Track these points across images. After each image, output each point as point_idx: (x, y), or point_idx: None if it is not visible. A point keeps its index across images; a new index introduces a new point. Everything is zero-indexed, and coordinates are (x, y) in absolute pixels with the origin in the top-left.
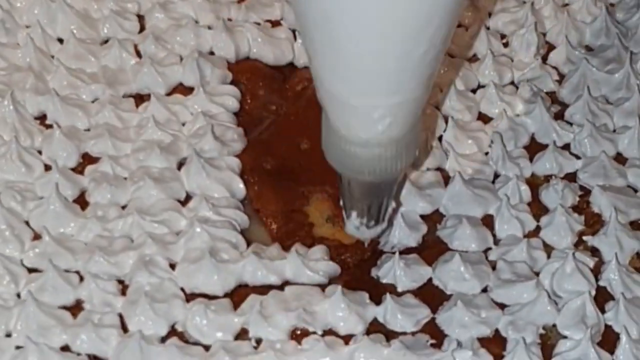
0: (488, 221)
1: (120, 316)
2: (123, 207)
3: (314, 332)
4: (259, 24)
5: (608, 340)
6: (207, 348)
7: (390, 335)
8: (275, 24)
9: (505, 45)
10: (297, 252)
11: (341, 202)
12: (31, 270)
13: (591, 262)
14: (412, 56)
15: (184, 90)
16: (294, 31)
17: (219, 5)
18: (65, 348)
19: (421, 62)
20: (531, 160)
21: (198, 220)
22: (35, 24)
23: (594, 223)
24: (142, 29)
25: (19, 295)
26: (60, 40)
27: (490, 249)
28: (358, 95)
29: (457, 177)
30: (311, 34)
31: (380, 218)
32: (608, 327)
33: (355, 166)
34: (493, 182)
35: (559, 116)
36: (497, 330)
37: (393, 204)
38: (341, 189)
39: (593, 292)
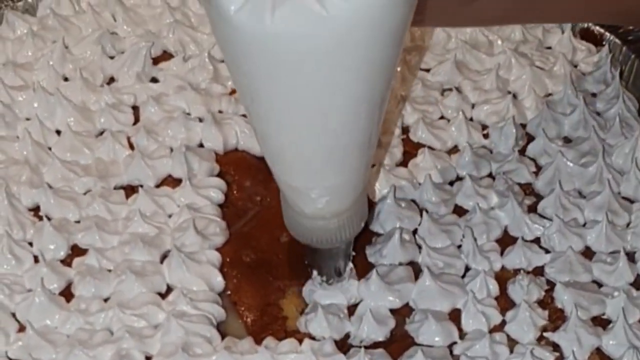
0: (455, 315)
1: None
2: (106, 300)
3: None
4: (246, 116)
5: None
6: None
7: None
8: None
9: (486, 136)
10: (267, 346)
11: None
12: None
13: (551, 358)
14: (335, 150)
15: (173, 181)
16: None
17: (210, 97)
18: None
19: (347, 153)
20: (502, 253)
21: (175, 315)
22: (34, 117)
23: (557, 318)
24: (136, 120)
25: None
26: (58, 132)
27: (455, 343)
28: (293, 179)
29: (427, 272)
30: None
31: (340, 275)
32: None
33: (305, 235)
34: (464, 275)
35: (532, 209)
36: None
37: (350, 264)
38: (305, 252)
39: None
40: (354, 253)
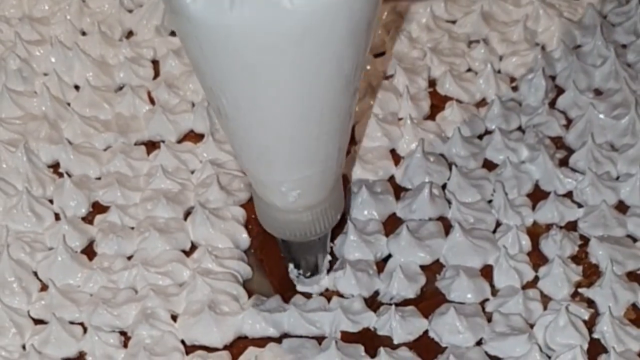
0: (487, 271)
1: None
2: (129, 258)
3: None
4: None
5: None
6: None
7: None
8: None
9: (514, 89)
10: (295, 304)
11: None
12: (37, 322)
13: (586, 314)
14: (302, 142)
15: (195, 137)
16: None
17: None
18: None
19: (315, 144)
20: (534, 208)
21: (200, 273)
22: (52, 72)
23: (591, 274)
24: (156, 74)
25: (24, 347)
26: (77, 88)
27: (487, 300)
28: (262, 173)
29: (457, 227)
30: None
31: (317, 270)
32: None
33: (277, 228)
34: (495, 230)
35: (563, 163)
36: None
37: (328, 257)
38: (279, 245)
39: (585, 346)
40: (332, 245)
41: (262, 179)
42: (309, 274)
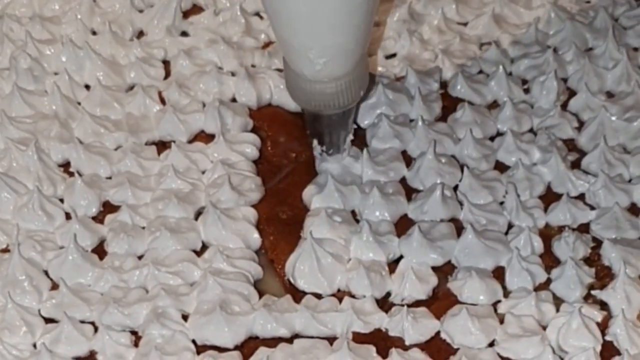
0: (499, 273)
1: None
2: (140, 257)
3: None
4: (281, 70)
5: None
6: None
7: None
8: None
9: (526, 91)
10: (306, 305)
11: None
12: (48, 320)
13: (599, 316)
14: (334, 8)
15: (206, 137)
16: None
17: (243, 51)
18: None
19: (346, 12)
20: (546, 210)
21: (211, 273)
22: (63, 71)
23: (604, 276)
24: (167, 74)
25: (35, 346)
26: (87, 87)
27: (499, 301)
28: (293, 36)
29: (469, 229)
30: None
31: (339, 148)
32: None
33: (305, 99)
34: (507, 232)
35: (576, 165)
36: None
37: (350, 136)
38: (305, 119)
39: (598, 348)
40: (355, 126)
41: (293, 43)
42: (331, 151)
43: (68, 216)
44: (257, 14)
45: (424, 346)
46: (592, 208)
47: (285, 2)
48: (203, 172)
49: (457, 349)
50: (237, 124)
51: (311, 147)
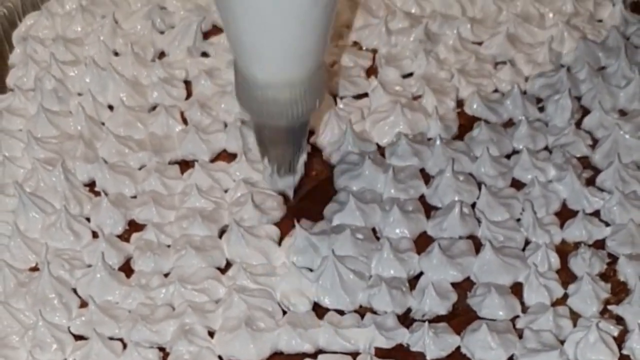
0: (517, 289)
1: None
2: (166, 275)
3: None
4: None
5: None
6: None
7: None
8: None
9: (541, 109)
10: (329, 321)
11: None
12: (78, 338)
13: (615, 331)
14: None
15: (228, 156)
16: (334, 95)
17: None
18: None
19: (299, 8)
20: (562, 226)
21: (236, 290)
22: (87, 92)
23: (620, 291)
24: (189, 94)
25: None
26: (111, 107)
27: (518, 317)
28: (248, 32)
29: (488, 246)
30: None
31: (290, 168)
32: None
33: (257, 109)
34: (524, 248)
35: (590, 182)
36: None
37: (304, 157)
38: (255, 136)
39: None
40: (309, 149)
41: (245, 41)
42: (282, 170)
43: (95, 235)
44: None
45: None
46: (607, 224)
47: None
48: (226, 191)
49: None
50: None
51: (332, 166)
